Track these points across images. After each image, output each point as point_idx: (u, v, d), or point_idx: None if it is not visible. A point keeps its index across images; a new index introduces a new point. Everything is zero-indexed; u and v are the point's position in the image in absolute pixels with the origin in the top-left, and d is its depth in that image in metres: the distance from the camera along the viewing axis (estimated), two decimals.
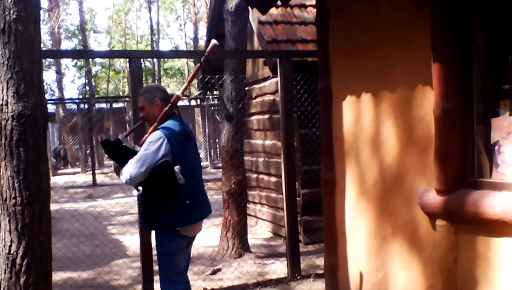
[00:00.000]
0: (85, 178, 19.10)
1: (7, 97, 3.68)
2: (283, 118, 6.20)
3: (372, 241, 4.03)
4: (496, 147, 3.16)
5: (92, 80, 31.53)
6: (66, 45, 34.87)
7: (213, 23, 9.75)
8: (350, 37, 4.16)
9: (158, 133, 3.78)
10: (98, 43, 42.62)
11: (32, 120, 3.73)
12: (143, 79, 5.64)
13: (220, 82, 7.37)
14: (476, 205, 3.01)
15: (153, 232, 4.26)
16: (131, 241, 8.04)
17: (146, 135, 3.87)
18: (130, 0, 38.70)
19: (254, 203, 9.30)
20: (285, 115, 6.18)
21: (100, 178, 18.30)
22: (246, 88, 7.97)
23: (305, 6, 8.35)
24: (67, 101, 23.34)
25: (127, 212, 11.14)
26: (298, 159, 7.30)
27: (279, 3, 5.20)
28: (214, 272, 6.59)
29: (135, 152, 3.84)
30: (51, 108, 23.30)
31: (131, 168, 3.73)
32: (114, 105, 24.75)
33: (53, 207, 4.62)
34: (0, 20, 3.67)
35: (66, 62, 33.16)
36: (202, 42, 30.18)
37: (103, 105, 24.85)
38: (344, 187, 4.33)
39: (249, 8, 6.76)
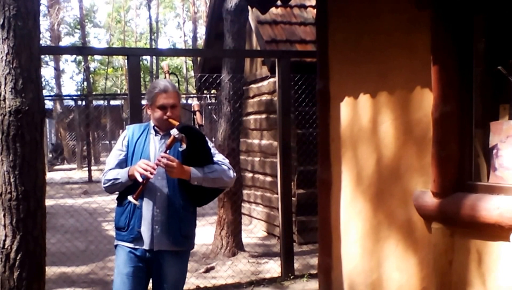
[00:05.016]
0: (81, 174, 19.09)
1: (5, 93, 3.68)
2: (280, 118, 6.20)
3: (366, 242, 4.02)
4: (494, 151, 3.16)
5: (91, 76, 31.47)
6: (66, 40, 34.84)
7: (212, 22, 9.75)
8: (349, 38, 4.15)
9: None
10: (98, 40, 42.67)
11: (29, 115, 3.73)
12: (141, 76, 5.62)
13: (218, 81, 7.37)
14: (472, 208, 3.01)
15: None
16: None
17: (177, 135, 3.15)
18: None
19: (249, 202, 9.30)
20: (282, 115, 6.18)
21: (96, 175, 18.23)
22: (244, 88, 7.96)
23: (305, 7, 8.35)
24: (64, 97, 23.29)
25: None
26: (294, 159, 7.30)
27: (279, 3, 5.19)
28: (207, 270, 6.59)
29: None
30: (48, 104, 23.29)
31: (227, 168, 3.40)
32: (112, 103, 24.73)
33: (48, 202, 4.61)
34: (0, 16, 3.66)
35: (65, 58, 33.12)
36: (200, 41, 30.18)
37: (101, 102, 24.82)
38: (340, 188, 4.32)
39: (249, 7, 6.76)
